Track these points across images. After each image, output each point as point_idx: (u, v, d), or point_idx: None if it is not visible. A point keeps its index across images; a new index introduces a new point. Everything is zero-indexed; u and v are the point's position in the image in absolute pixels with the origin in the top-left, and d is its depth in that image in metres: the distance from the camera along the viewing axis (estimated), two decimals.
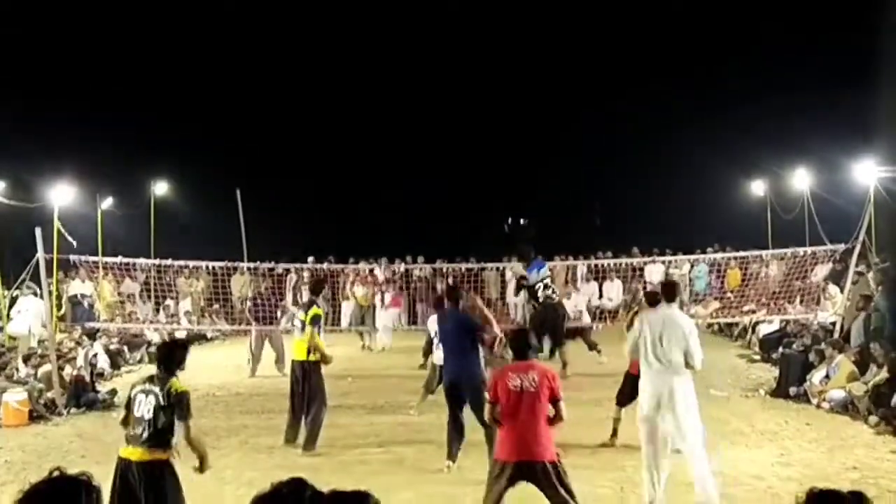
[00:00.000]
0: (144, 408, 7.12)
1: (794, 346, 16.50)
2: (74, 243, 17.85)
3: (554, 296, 15.39)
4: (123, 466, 7.06)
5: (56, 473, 3.21)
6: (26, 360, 16.00)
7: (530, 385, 7.44)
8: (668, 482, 9.04)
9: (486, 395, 8.27)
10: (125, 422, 7.27)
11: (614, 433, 11.81)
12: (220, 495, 9.76)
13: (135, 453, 7.04)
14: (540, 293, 15.58)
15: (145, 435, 7.04)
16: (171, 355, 7.49)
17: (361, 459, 11.23)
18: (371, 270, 24.82)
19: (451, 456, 10.68)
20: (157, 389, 7.16)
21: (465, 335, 10.95)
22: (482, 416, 9.83)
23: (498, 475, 7.42)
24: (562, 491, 7.28)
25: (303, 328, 12.00)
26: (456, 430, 10.75)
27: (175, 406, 7.08)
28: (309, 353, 11.86)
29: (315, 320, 11.90)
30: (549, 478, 7.27)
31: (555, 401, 7.49)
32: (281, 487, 3.25)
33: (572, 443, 11.46)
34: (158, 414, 7.06)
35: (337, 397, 15.74)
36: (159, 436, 7.04)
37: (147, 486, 6.95)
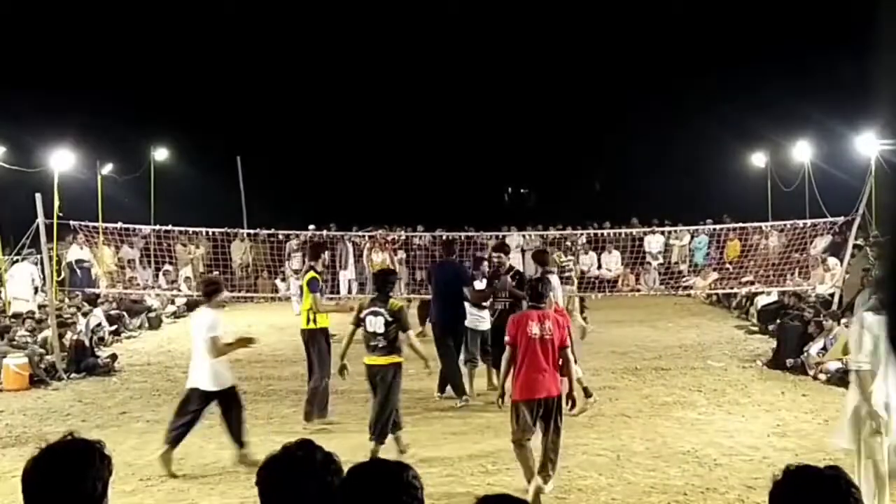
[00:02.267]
0: (376, 325, 9.55)
1: (792, 317, 16.52)
2: (61, 213, 17.72)
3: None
4: (369, 370, 9.75)
5: (70, 438, 3.26)
6: (22, 322, 16.09)
7: (547, 333, 8.35)
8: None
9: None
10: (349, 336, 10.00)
11: (587, 393, 11.84)
12: (220, 461, 9.84)
13: (375, 360, 9.65)
14: None
15: (381, 345, 9.56)
16: (384, 282, 10.00)
17: (360, 427, 11.25)
18: (373, 237, 24.82)
19: (466, 391, 12.59)
20: (382, 310, 9.57)
21: (460, 285, 12.82)
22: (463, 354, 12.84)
23: (523, 412, 8.33)
24: (559, 421, 8.44)
25: (301, 294, 11.64)
26: (456, 365, 12.72)
27: (397, 320, 9.53)
28: (309, 321, 11.42)
29: (312, 285, 11.40)
30: (557, 409, 8.42)
31: (562, 347, 8.46)
32: (293, 449, 3.27)
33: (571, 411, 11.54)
34: (389, 328, 9.52)
35: (335, 365, 15.80)
36: (392, 344, 9.56)
37: (382, 382, 9.56)
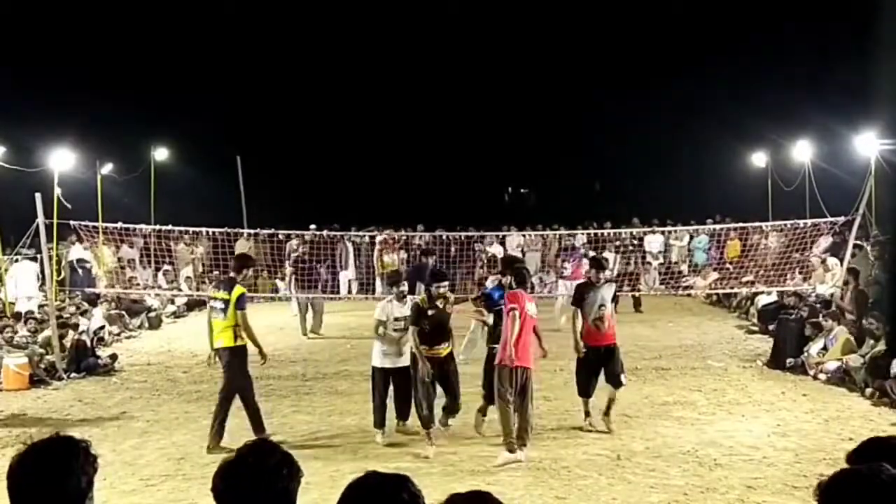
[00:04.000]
0: None
1: (792, 317, 16.50)
2: (69, 206, 17.70)
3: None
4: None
5: (55, 436, 3.25)
6: (25, 322, 16.08)
7: (535, 313, 9.89)
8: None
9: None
10: None
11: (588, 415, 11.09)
12: (219, 461, 9.79)
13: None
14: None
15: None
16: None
17: (360, 426, 11.26)
18: (372, 238, 24.86)
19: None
20: None
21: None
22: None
23: (509, 376, 9.51)
24: (531, 390, 9.81)
25: (226, 309, 10.47)
26: None
27: None
28: (236, 337, 10.48)
29: (241, 301, 10.49)
30: (530, 378, 9.73)
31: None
32: (246, 454, 3.16)
33: (572, 411, 11.53)
34: None
35: (335, 364, 15.85)
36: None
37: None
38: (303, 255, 21.32)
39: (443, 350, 10.31)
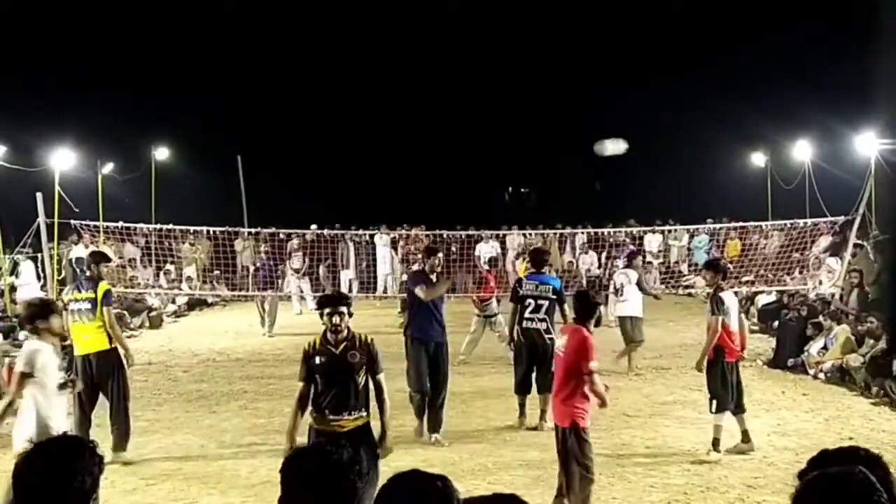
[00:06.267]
0: None
1: (792, 316, 16.51)
2: (76, 208, 17.73)
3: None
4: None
5: (61, 435, 3.29)
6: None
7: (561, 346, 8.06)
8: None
9: None
10: None
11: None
12: (220, 459, 9.83)
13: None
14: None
15: None
16: None
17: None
18: (371, 237, 24.87)
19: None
20: None
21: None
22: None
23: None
24: None
25: (94, 309, 9.99)
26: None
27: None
28: (111, 339, 10.11)
29: (108, 298, 10.09)
30: (567, 440, 7.90)
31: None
32: (323, 444, 3.34)
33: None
34: None
35: None
36: None
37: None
38: (264, 257, 20.98)
39: (348, 422, 6.88)
